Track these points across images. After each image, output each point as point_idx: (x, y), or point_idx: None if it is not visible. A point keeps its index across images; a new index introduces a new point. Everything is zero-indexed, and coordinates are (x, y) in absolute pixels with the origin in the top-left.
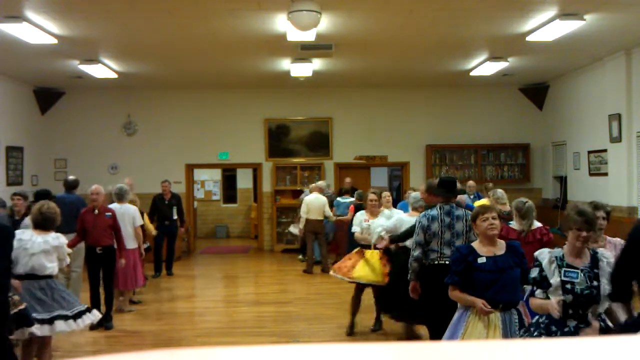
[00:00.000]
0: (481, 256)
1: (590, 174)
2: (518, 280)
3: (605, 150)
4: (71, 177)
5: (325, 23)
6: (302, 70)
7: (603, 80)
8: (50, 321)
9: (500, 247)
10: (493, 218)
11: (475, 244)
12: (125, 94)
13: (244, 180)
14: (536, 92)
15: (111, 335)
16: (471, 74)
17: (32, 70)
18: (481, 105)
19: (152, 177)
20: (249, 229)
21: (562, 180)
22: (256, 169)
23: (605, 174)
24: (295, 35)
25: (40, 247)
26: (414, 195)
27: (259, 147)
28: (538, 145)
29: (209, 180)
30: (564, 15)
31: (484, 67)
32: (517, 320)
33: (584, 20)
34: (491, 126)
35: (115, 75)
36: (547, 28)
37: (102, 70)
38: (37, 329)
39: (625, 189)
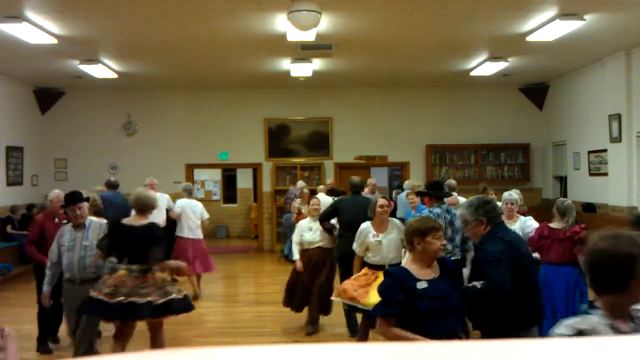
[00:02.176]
0: (420, 280)
1: (590, 174)
2: (459, 306)
3: (605, 150)
4: (113, 178)
5: (325, 23)
6: (302, 70)
7: (603, 80)
8: None
9: (435, 269)
10: (441, 237)
11: (409, 265)
12: (125, 94)
13: (244, 180)
14: (536, 92)
15: (111, 336)
16: (471, 74)
17: (32, 70)
18: (481, 105)
19: (152, 177)
20: (249, 229)
21: (562, 180)
22: (256, 169)
23: (605, 174)
24: (295, 35)
25: None
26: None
27: (258, 147)
28: (538, 145)
29: (209, 180)
30: (564, 15)
31: (484, 67)
32: None
33: (584, 20)
34: (491, 126)
35: (115, 75)
36: (547, 28)
37: (102, 70)
38: None
39: (625, 189)
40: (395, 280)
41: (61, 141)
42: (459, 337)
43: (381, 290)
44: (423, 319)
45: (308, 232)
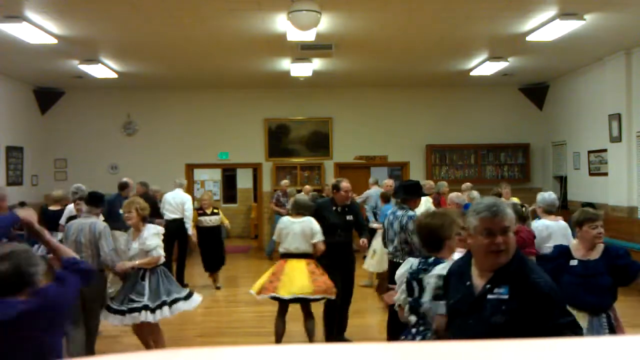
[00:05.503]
0: (574, 258)
1: (590, 174)
2: (607, 287)
3: (605, 150)
4: (124, 179)
5: (325, 23)
6: (302, 70)
7: (603, 80)
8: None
9: (597, 252)
10: (601, 226)
11: (573, 246)
12: (125, 94)
13: (244, 180)
14: (536, 92)
15: (111, 336)
16: (471, 74)
17: (32, 70)
18: (481, 105)
19: (152, 177)
20: (249, 229)
21: (562, 180)
22: (256, 169)
23: (605, 174)
24: (295, 35)
25: None
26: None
27: (259, 147)
28: (538, 145)
29: (209, 180)
30: (564, 15)
31: (484, 67)
32: (606, 325)
33: (584, 20)
34: (491, 126)
35: (115, 75)
36: (547, 28)
37: (102, 70)
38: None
39: (625, 189)
40: (553, 254)
41: (61, 141)
42: (605, 313)
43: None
44: (566, 289)
45: None
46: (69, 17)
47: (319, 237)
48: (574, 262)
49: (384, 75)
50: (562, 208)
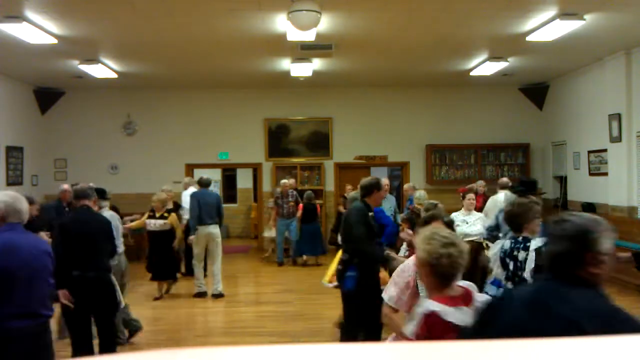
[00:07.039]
0: None
1: (590, 174)
2: None
3: (605, 150)
4: (205, 176)
5: (325, 23)
6: (302, 70)
7: (603, 80)
8: None
9: None
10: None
11: None
12: (125, 94)
13: (244, 180)
14: (536, 92)
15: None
16: (471, 74)
17: (32, 70)
18: (481, 105)
19: (152, 177)
20: (249, 229)
21: (562, 180)
22: (256, 169)
23: (605, 174)
24: (295, 35)
25: None
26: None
27: (258, 147)
28: (538, 145)
29: None
30: (564, 15)
31: (484, 67)
32: None
33: (584, 20)
34: (491, 126)
35: (115, 75)
36: (547, 28)
37: (102, 70)
38: None
39: (625, 189)
40: None
41: (61, 141)
42: None
43: None
44: None
45: (463, 224)
46: (69, 17)
47: None
48: None
49: (384, 75)
50: (563, 208)
